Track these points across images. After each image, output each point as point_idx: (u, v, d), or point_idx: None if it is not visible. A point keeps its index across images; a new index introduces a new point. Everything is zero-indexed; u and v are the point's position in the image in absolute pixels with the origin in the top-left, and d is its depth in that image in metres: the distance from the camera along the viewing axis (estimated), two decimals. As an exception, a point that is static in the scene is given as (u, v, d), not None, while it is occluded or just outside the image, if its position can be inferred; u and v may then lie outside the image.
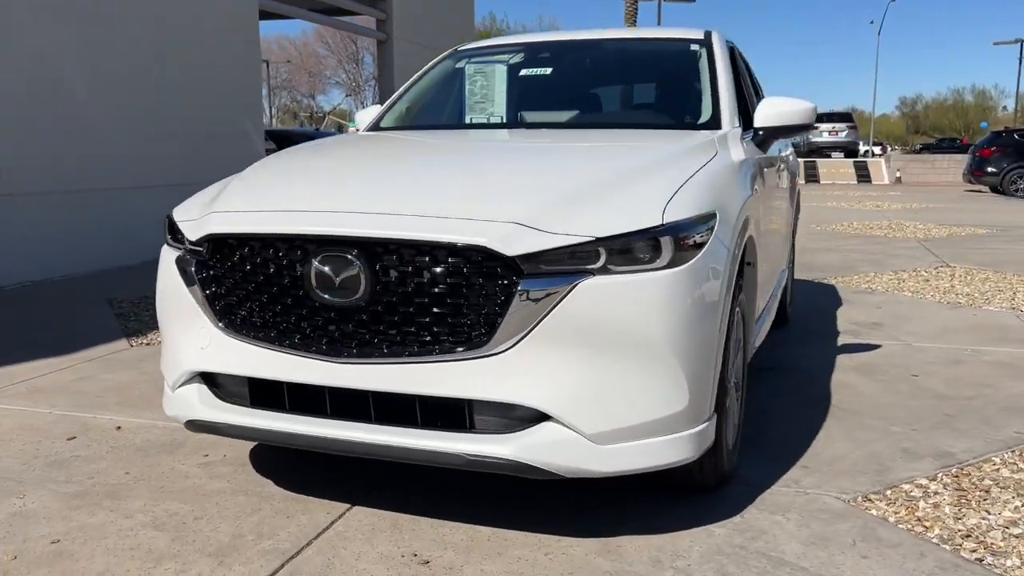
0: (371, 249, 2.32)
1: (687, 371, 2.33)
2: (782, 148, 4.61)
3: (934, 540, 2.51)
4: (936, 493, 2.87)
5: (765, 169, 3.66)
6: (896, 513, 2.71)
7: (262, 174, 2.99)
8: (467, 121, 4.08)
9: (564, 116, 3.99)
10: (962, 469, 3.09)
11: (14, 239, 7.24)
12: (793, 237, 5.56)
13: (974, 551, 2.45)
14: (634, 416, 2.30)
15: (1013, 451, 3.27)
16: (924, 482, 2.96)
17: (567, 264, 2.25)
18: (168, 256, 2.75)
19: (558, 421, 2.27)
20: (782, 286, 4.73)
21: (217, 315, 2.55)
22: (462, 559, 2.40)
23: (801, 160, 21.97)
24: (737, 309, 2.80)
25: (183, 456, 3.22)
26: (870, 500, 2.81)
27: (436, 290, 2.29)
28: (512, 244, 2.22)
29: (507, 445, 2.28)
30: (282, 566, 2.36)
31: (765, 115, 3.54)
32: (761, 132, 3.60)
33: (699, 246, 2.39)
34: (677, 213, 2.36)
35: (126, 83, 8.51)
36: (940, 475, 3.03)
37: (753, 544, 2.49)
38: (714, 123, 3.46)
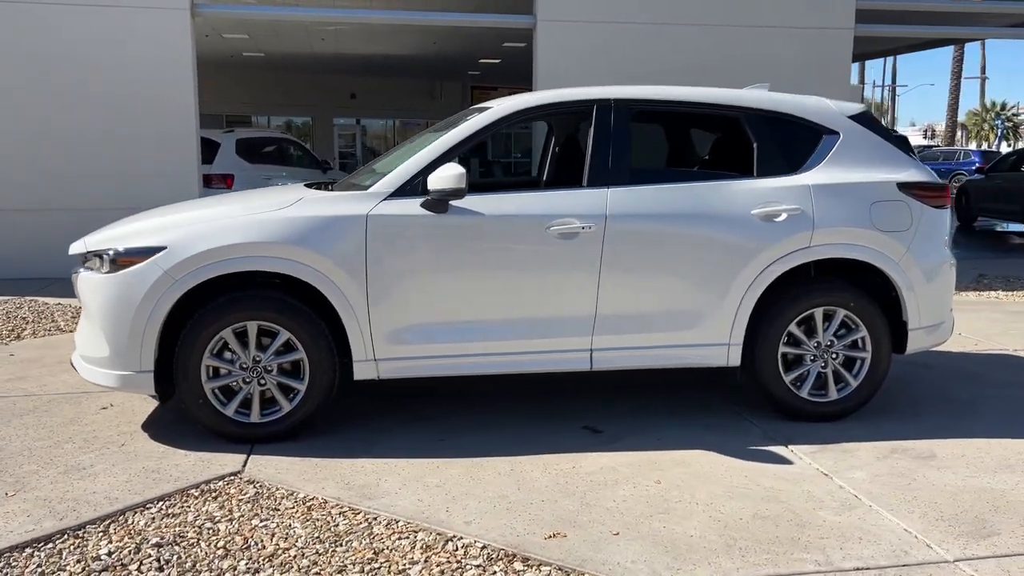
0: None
1: (106, 335, 3.87)
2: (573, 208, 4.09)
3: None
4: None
5: (422, 227, 3.96)
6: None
7: (146, 213, 4.71)
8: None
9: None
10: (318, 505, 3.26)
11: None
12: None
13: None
14: (89, 351, 4.01)
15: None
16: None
17: (90, 261, 3.99)
18: None
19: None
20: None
21: None
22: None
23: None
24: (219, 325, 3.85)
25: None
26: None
27: None
28: (74, 248, 4.09)
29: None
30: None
31: (433, 178, 3.89)
32: (432, 195, 3.91)
33: (133, 264, 3.80)
34: (125, 244, 3.88)
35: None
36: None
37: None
38: (370, 185, 4.10)
